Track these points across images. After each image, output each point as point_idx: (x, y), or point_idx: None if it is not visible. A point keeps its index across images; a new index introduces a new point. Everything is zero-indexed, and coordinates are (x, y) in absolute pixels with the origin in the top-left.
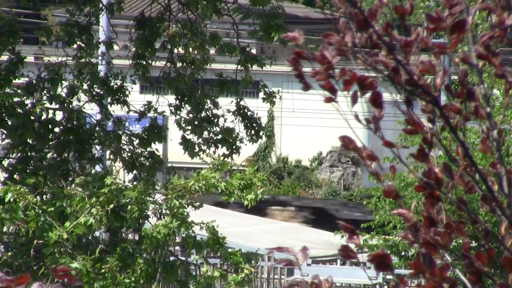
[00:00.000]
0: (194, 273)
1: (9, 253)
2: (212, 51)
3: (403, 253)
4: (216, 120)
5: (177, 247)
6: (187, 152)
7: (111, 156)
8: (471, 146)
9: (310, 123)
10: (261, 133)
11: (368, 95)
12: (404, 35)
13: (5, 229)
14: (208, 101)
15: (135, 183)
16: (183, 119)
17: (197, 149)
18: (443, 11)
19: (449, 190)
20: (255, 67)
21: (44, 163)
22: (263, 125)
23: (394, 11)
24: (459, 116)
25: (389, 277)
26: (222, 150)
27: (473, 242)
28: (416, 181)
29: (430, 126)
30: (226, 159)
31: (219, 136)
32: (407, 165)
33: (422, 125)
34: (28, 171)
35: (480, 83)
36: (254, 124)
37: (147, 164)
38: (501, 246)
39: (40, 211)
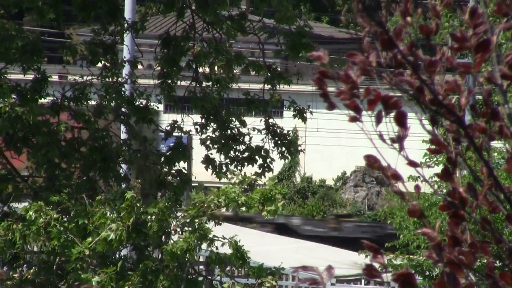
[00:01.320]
0: None
1: (32, 271)
2: (237, 70)
3: (427, 273)
4: (242, 138)
5: (201, 267)
6: (214, 172)
7: (138, 175)
8: (495, 165)
9: (334, 143)
10: (292, 149)
11: (392, 114)
12: (429, 55)
13: (28, 247)
14: (234, 120)
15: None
16: (209, 137)
17: (224, 169)
18: (468, 30)
19: (474, 210)
20: (280, 86)
21: (70, 182)
22: (294, 141)
23: (419, 30)
24: (483, 136)
25: None
26: (254, 169)
27: (497, 261)
28: (440, 200)
29: (455, 146)
30: (258, 178)
31: (245, 155)
32: (432, 184)
33: (447, 145)
34: (53, 189)
35: (505, 103)
36: (285, 141)
37: (174, 183)
38: None
39: (62, 228)
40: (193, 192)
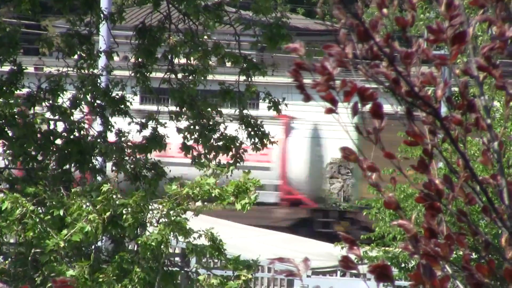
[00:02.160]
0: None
1: (7, 262)
2: (213, 61)
3: (403, 265)
4: (217, 127)
5: (177, 258)
6: (193, 163)
7: (113, 168)
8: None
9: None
10: (265, 141)
11: (368, 106)
12: (405, 47)
13: (4, 239)
14: (210, 110)
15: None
16: (184, 127)
17: (202, 159)
18: (444, 22)
19: (450, 202)
20: (256, 78)
21: (46, 173)
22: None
23: (395, 22)
24: (459, 128)
25: None
26: (226, 159)
27: (474, 253)
28: (416, 192)
29: (431, 138)
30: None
31: (220, 143)
32: (408, 176)
33: (423, 137)
34: (29, 181)
35: (481, 95)
36: (258, 132)
37: (149, 175)
38: (501, 257)
39: (38, 220)
40: (169, 184)
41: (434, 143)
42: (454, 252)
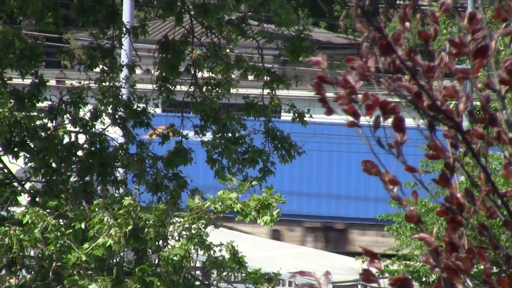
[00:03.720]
0: None
1: (28, 276)
2: (235, 74)
3: (424, 279)
4: (242, 140)
5: (198, 272)
6: (216, 176)
7: (135, 179)
8: (493, 171)
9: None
10: (293, 152)
11: (390, 120)
12: (427, 60)
13: (26, 252)
14: (234, 123)
15: (154, 205)
16: (210, 141)
17: (226, 172)
18: (466, 36)
19: (471, 216)
20: (279, 91)
21: (67, 186)
22: (294, 144)
23: (417, 36)
24: (481, 142)
25: None
26: (255, 173)
27: (495, 267)
28: (437, 206)
29: (453, 151)
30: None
31: (246, 156)
32: (429, 190)
33: (444, 151)
34: (50, 194)
35: (503, 109)
36: (285, 144)
37: (171, 186)
38: None
39: (59, 233)
40: (191, 198)
41: (456, 157)
42: (475, 266)
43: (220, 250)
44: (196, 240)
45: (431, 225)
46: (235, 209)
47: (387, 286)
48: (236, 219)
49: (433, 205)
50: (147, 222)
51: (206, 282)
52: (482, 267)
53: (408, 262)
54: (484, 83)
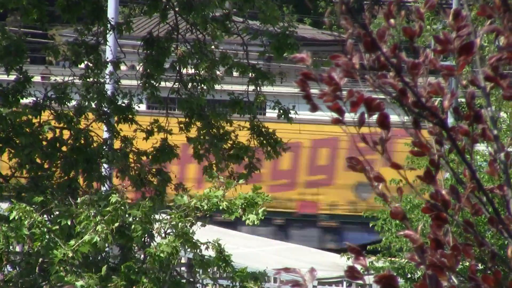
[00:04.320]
0: None
1: (14, 272)
2: (220, 71)
3: (409, 275)
4: (227, 137)
5: (183, 268)
6: (205, 173)
7: (119, 174)
8: (478, 168)
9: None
10: (278, 149)
11: (375, 116)
12: (412, 57)
13: (11, 248)
14: (220, 120)
15: (141, 201)
16: (196, 138)
17: (214, 169)
18: (451, 33)
19: (456, 212)
20: (263, 87)
21: (52, 181)
22: (280, 140)
23: (402, 32)
24: (466, 138)
25: None
26: (241, 169)
27: (480, 264)
28: (423, 203)
29: (438, 148)
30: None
31: (231, 152)
32: (414, 187)
33: (429, 147)
34: (35, 190)
35: (488, 105)
36: (271, 140)
37: (155, 181)
38: (507, 268)
39: (46, 230)
40: (177, 195)
41: (441, 154)
42: (461, 263)
43: (206, 248)
44: (182, 238)
45: (416, 222)
46: (220, 207)
47: (372, 282)
48: (222, 216)
49: (418, 202)
50: (135, 219)
51: (192, 280)
52: (467, 264)
53: (393, 259)
54: (469, 80)
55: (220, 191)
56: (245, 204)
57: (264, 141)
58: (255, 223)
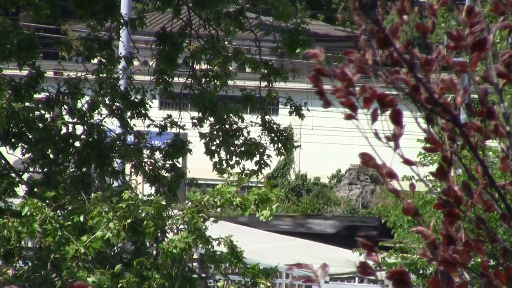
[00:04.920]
0: None
1: (25, 268)
2: (233, 67)
3: (421, 271)
4: (239, 133)
5: (195, 264)
6: (215, 169)
7: (132, 170)
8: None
9: (329, 141)
10: (289, 146)
11: (388, 112)
12: (425, 53)
13: (23, 243)
14: (232, 115)
15: (152, 197)
16: (208, 134)
17: (224, 165)
18: (464, 29)
19: (468, 209)
20: (276, 83)
21: (64, 177)
22: (290, 137)
23: (415, 29)
24: (479, 135)
25: None
26: (251, 166)
27: (492, 260)
28: (435, 199)
29: (450, 144)
30: (255, 175)
31: (243, 148)
32: (427, 183)
33: (442, 143)
34: (48, 185)
35: (500, 102)
36: (281, 138)
37: (169, 177)
38: None
39: (58, 225)
40: (190, 190)
41: (453, 150)
42: (472, 259)
43: (218, 244)
44: (195, 234)
45: (428, 218)
46: (234, 203)
47: (384, 278)
48: (236, 212)
49: (430, 198)
50: (148, 215)
51: (204, 275)
52: (479, 260)
53: (405, 255)
54: (482, 76)
55: (233, 187)
56: (258, 200)
57: (275, 138)
58: (269, 219)
